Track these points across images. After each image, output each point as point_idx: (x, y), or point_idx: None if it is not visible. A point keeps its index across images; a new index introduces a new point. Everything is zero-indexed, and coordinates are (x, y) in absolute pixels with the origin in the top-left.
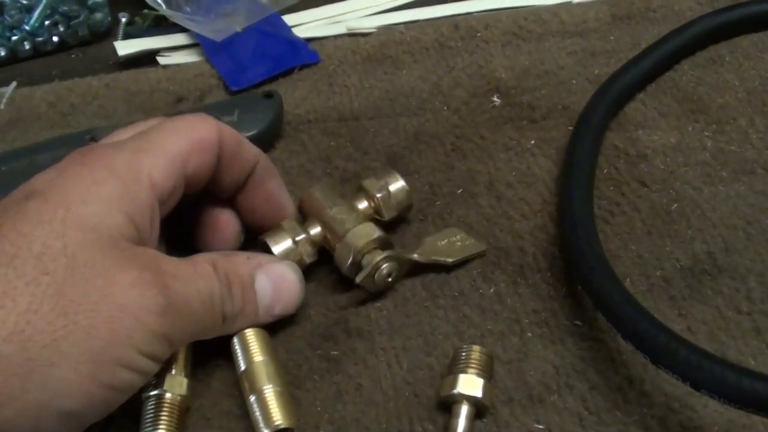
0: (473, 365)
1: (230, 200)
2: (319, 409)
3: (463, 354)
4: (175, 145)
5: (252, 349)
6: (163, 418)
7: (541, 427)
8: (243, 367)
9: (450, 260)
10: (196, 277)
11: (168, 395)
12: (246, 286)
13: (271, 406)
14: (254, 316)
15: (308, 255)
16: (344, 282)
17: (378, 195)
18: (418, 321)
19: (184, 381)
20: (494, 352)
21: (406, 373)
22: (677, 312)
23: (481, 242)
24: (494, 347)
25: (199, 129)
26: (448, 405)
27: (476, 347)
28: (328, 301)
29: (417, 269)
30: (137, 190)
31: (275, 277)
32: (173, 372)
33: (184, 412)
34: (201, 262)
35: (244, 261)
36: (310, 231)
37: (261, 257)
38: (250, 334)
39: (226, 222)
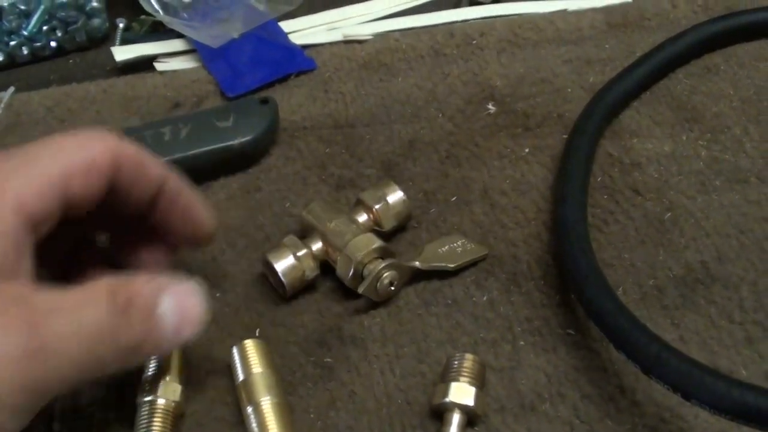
0: (465, 374)
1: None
2: (312, 416)
3: (456, 362)
4: (56, 165)
5: (251, 360)
6: (156, 424)
7: None
8: (241, 378)
9: (452, 266)
10: (81, 308)
11: (162, 401)
12: (148, 312)
13: (268, 419)
14: (161, 342)
15: (310, 269)
16: (339, 290)
17: (377, 206)
18: (411, 328)
19: (178, 388)
20: (486, 360)
21: (398, 380)
22: (670, 321)
23: (482, 246)
24: (486, 355)
25: (89, 148)
26: (440, 413)
27: (469, 356)
28: (322, 308)
29: (419, 276)
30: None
31: (180, 299)
32: (167, 378)
33: (178, 418)
34: (92, 289)
35: (145, 284)
36: (312, 246)
37: (162, 279)
38: (250, 345)
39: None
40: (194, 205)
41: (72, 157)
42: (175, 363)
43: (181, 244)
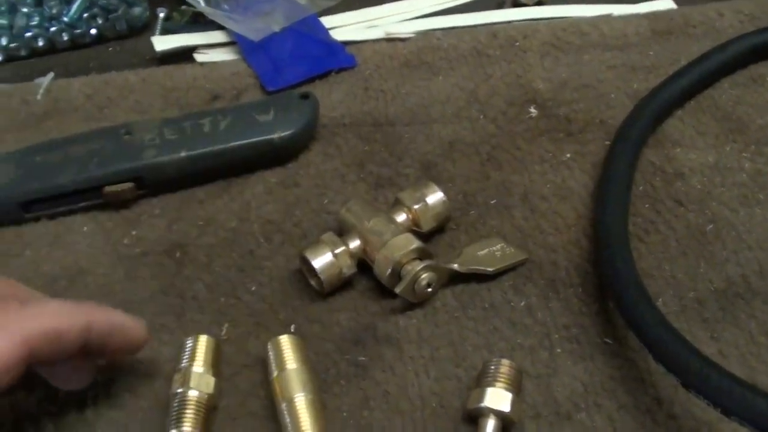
0: (502, 379)
1: None
2: (345, 414)
3: (492, 367)
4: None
5: (286, 355)
6: (188, 415)
7: None
8: (276, 373)
9: (491, 269)
10: None
11: (194, 393)
12: None
13: (301, 415)
14: None
15: (347, 267)
16: (376, 289)
17: (416, 207)
18: (448, 331)
19: (212, 380)
20: (523, 366)
21: (433, 383)
22: (709, 335)
23: (521, 251)
24: (523, 361)
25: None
26: (474, 418)
27: (506, 361)
28: (358, 306)
29: (457, 279)
30: None
31: None
32: (201, 370)
33: (210, 410)
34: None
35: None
36: (349, 244)
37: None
38: (285, 340)
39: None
40: (127, 338)
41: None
42: (208, 355)
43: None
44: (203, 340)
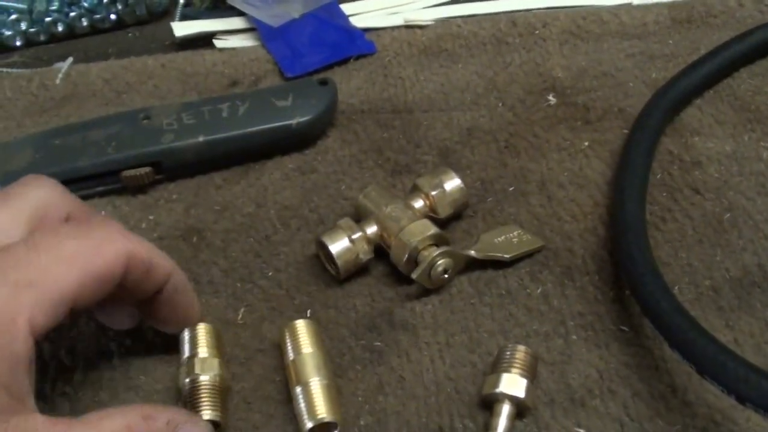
0: (517, 365)
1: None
2: (360, 399)
3: (508, 353)
4: (70, 278)
5: (301, 339)
6: (203, 400)
7: (581, 431)
8: (291, 357)
9: (507, 256)
10: None
11: (205, 378)
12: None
13: (316, 399)
14: None
15: (364, 253)
16: (392, 275)
17: (433, 193)
18: (464, 317)
19: (215, 361)
20: (538, 352)
21: (448, 368)
22: (724, 323)
23: (538, 238)
24: (538, 348)
25: (104, 254)
26: (489, 403)
27: (521, 347)
28: (374, 292)
29: (473, 265)
30: (12, 342)
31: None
32: (206, 355)
33: (225, 392)
34: (109, 426)
35: (163, 428)
36: (366, 229)
37: (180, 418)
38: (301, 324)
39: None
40: (188, 304)
41: (87, 268)
42: (210, 341)
43: (157, 324)
44: (202, 327)
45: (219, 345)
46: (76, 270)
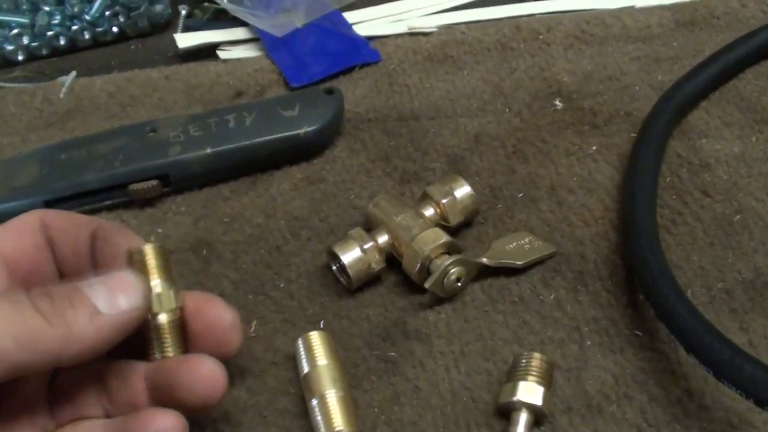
0: (533, 373)
1: None
2: (376, 410)
3: (524, 361)
4: None
5: (316, 351)
6: (166, 341)
7: None
8: (306, 370)
9: (519, 263)
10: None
11: (162, 317)
12: (68, 288)
13: (332, 411)
14: (93, 312)
15: (376, 262)
16: (404, 284)
17: (443, 201)
18: (477, 326)
19: (170, 292)
20: (553, 359)
21: (464, 377)
22: (738, 325)
23: (549, 244)
24: (553, 354)
25: (14, 219)
26: (506, 412)
27: (537, 354)
28: (387, 302)
29: (485, 273)
30: None
31: (106, 277)
32: (159, 289)
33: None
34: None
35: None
36: (378, 239)
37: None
38: (315, 336)
39: None
40: (131, 239)
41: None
42: (156, 265)
43: None
44: (148, 248)
45: (164, 267)
46: None
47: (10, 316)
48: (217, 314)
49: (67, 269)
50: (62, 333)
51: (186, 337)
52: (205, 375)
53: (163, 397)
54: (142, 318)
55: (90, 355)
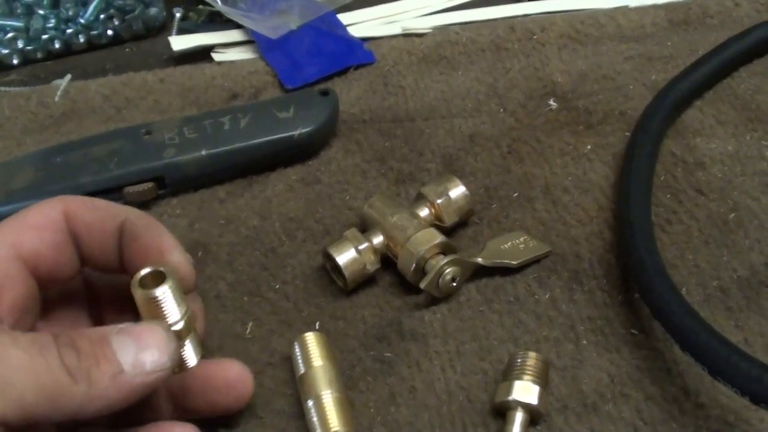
0: (529, 372)
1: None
2: (372, 410)
3: (519, 360)
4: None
5: (312, 352)
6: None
7: None
8: (302, 371)
9: (514, 263)
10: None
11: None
12: (95, 340)
13: (328, 412)
14: (117, 371)
15: (371, 263)
16: (399, 285)
17: (438, 201)
18: (473, 325)
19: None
20: (549, 358)
21: (460, 377)
22: (734, 323)
23: (544, 243)
24: (549, 354)
25: (36, 208)
26: (502, 411)
27: (532, 354)
28: (382, 302)
29: (481, 273)
30: None
31: (136, 330)
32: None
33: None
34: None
35: (94, 327)
36: (373, 239)
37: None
38: (311, 337)
39: None
40: (160, 239)
41: (18, 221)
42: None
43: None
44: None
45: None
46: (11, 223)
47: (35, 367)
48: (239, 372)
49: (91, 261)
50: (84, 392)
51: (199, 339)
52: (235, 377)
53: (188, 402)
54: (165, 379)
55: (108, 412)
